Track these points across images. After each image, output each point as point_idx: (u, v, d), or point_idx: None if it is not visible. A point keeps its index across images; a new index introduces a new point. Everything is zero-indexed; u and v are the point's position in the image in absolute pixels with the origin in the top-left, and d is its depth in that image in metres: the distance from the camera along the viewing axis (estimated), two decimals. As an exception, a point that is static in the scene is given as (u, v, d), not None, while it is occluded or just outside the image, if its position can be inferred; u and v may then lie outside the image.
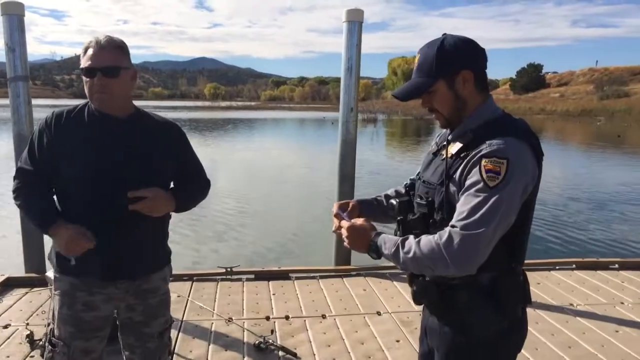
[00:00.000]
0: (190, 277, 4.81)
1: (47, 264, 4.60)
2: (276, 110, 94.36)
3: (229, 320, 3.93)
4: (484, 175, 1.47)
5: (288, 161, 19.41)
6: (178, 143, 2.29)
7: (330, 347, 3.58)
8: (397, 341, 3.68)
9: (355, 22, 4.98)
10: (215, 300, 4.32)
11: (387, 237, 1.61)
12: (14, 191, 2.16)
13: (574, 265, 5.36)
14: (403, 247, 1.54)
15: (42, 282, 4.35)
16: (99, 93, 2.03)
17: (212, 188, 2.45)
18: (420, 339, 1.95)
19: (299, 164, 18.38)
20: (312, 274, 5.02)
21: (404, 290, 4.58)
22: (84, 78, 2.04)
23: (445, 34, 1.66)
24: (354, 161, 5.22)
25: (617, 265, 5.35)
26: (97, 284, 2.14)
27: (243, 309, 4.18)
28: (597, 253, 7.35)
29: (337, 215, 1.84)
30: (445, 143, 1.70)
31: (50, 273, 3.68)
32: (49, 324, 2.39)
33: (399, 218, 1.72)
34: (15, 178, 2.16)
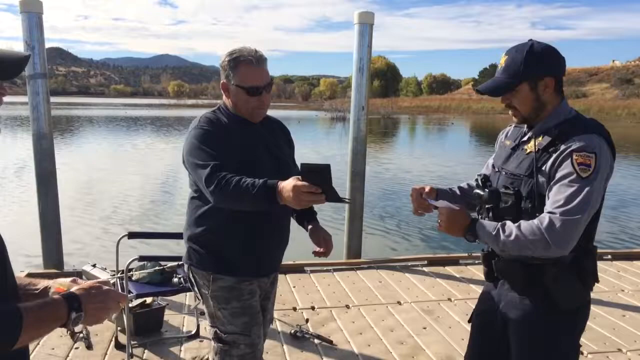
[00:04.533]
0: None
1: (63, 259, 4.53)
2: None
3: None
4: (577, 168, 1.66)
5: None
6: (290, 138, 2.45)
7: (362, 335, 3.75)
8: (424, 328, 3.87)
9: (366, 24, 5.15)
10: (238, 293, 4.42)
11: (485, 222, 1.79)
12: (219, 186, 1.95)
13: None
14: (504, 231, 1.72)
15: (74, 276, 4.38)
16: (260, 109, 2.14)
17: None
18: (478, 312, 2.11)
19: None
20: (326, 267, 5.17)
21: (417, 282, 4.78)
22: (240, 93, 2.08)
23: (531, 40, 1.85)
24: (364, 157, 5.38)
25: (610, 256, 5.67)
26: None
27: (269, 301, 4.30)
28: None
29: (418, 199, 1.99)
30: (525, 139, 1.88)
31: (87, 267, 3.76)
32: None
33: (487, 206, 1.90)
34: (211, 175, 1.98)
